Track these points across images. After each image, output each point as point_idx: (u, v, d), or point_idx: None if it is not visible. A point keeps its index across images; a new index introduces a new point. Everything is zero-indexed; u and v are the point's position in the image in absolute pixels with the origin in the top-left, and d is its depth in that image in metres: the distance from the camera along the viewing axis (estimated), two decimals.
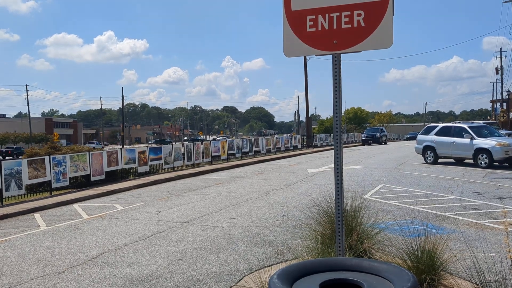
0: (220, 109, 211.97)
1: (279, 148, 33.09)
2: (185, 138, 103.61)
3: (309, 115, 44.43)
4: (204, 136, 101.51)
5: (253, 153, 28.54)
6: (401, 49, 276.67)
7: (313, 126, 55.04)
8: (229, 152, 25.66)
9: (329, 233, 5.28)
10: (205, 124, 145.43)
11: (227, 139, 31.38)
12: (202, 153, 22.99)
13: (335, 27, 4.06)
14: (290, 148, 35.08)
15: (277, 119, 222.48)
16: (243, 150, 27.45)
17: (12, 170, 12.82)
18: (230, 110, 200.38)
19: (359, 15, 3.98)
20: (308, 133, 41.70)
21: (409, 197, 10.44)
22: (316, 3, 4.15)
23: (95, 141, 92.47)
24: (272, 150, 31.41)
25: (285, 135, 53.02)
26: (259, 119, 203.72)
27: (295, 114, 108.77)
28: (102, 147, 61.36)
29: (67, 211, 11.39)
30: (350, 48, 4.03)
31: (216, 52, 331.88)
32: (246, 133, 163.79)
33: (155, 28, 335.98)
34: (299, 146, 37.49)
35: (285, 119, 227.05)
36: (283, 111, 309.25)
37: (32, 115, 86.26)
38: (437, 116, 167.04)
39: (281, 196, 11.59)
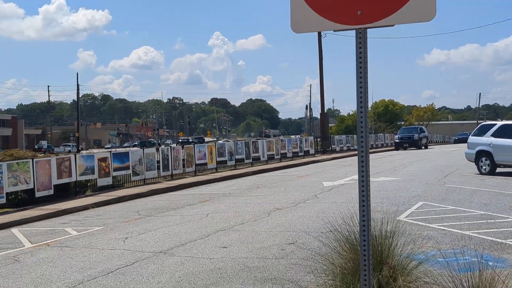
0: (206, 102, 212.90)
1: (285, 154, 33.18)
2: (153, 140, 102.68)
3: (325, 110, 44.59)
4: (189, 138, 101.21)
5: (251, 160, 28.59)
6: (446, 23, 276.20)
7: (330, 125, 55.25)
8: (218, 159, 25.64)
9: (352, 267, 5.30)
10: (187, 122, 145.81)
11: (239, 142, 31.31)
12: (183, 160, 22.97)
13: None
14: (300, 154, 35.18)
15: (282, 116, 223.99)
16: (238, 157, 27.49)
17: None
18: (220, 104, 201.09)
19: None
20: (324, 134, 41.79)
21: (458, 219, 10.44)
22: None
23: (70, 144, 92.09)
24: (276, 157, 31.50)
25: (293, 136, 53.24)
26: (259, 115, 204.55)
27: (307, 108, 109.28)
28: (77, 151, 59.63)
29: (3, 238, 11.37)
30: (379, 21, 4.04)
31: (201, 26, 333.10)
32: (242, 134, 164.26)
33: None
34: (312, 151, 37.60)
35: (293, 115, 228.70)
36: (291, 104, 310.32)
37: None
38: (495, 111, 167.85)
39: (288, 218, 11.61)
